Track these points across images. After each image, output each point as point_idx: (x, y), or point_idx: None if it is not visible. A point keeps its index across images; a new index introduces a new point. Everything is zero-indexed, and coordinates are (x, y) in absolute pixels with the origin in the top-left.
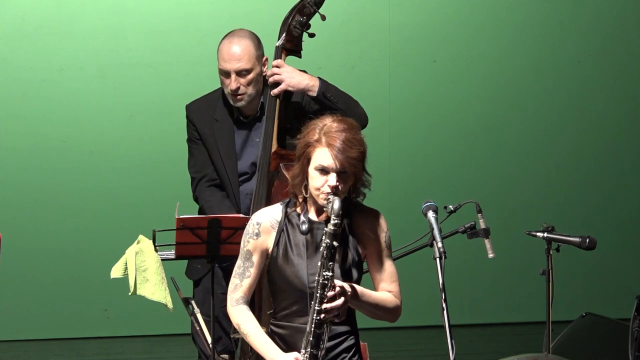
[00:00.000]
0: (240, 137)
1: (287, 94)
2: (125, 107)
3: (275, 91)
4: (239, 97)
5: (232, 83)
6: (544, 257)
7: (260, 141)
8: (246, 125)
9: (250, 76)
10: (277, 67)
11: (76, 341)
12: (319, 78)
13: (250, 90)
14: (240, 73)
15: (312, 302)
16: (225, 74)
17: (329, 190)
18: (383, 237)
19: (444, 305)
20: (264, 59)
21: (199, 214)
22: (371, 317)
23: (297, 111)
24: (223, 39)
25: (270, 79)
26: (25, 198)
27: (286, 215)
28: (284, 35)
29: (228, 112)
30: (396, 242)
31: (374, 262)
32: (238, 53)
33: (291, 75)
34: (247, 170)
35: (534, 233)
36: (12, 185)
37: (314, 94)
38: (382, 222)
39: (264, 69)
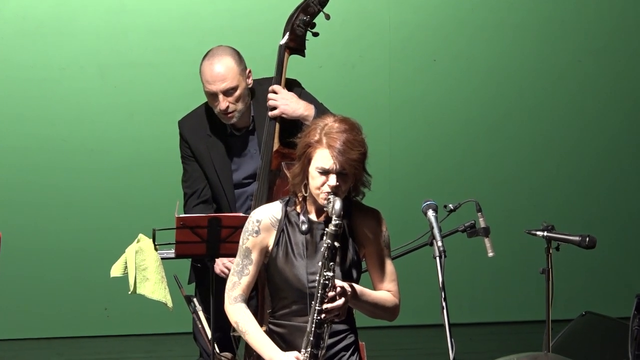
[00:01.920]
0: (235, 150)
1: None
2: (125, 106)
3: (270, 114)
4: (229, 115)
5: (221, 103)
6: (543, 256)
7: (257, 152)
8: (240, 138)
9: (237, 93)
10: (274, 92)
11: (76, 340)
12: (315, 107)
13: (240, 106)
14: (227, 92)
15: (313, 302)
16: (212, 95)
17: (329, 190)
18: (382, 236)
19: (444, 304)
20: (248, 71)
21: None
22: (370, 317)
23: None
24: (203, 60)
25: (269, 102)
26: (26, 197)
27: (286, 214)
28: (287, 34)
29: (220, 126)
30: (396, 241)
31: (373, 261)
32: (222, 73)
33: (286, 103)
34: (244, 182)
35: (533, 232)
36: (12, 184)
37: (309, 123)
38: (382, 221)
39: (249, 81)
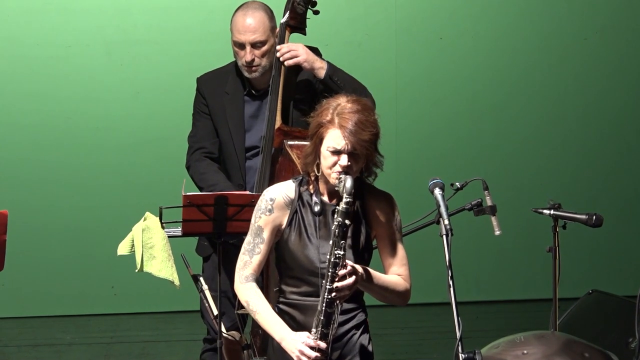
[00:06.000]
0: (250, 110)
1: (296, 71)
2: (131, 84)
3: (290, 62)
4: (253, 68)
5: (247, 55)
6: (550, 234)
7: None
8: (257, 98)
9: (265, 48)
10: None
11: (83, 318)
12: (328, 62)
13: (265, 62)
14: (255, 45)
15: (324, 281)
16: (240, 45)
17: (340, 170)
18: (394, 220)
19: (451, 282)
20: (277, 30)
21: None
22: (381, 300)
23: (307, 88)
24: (237, 10)
25: (287, 54)
26: (32, 175)
27: (299, 195)
28: (288, 12)
29: (239, 85)
30: (403, 219)
31: (384, 244)
32: (253, 25)
33: (307, 52)
34: (256, 144)
35: (540, 210)
36: (18, 162)
37: (321, 76)
38: (394, 205)
39: (277, 41)
